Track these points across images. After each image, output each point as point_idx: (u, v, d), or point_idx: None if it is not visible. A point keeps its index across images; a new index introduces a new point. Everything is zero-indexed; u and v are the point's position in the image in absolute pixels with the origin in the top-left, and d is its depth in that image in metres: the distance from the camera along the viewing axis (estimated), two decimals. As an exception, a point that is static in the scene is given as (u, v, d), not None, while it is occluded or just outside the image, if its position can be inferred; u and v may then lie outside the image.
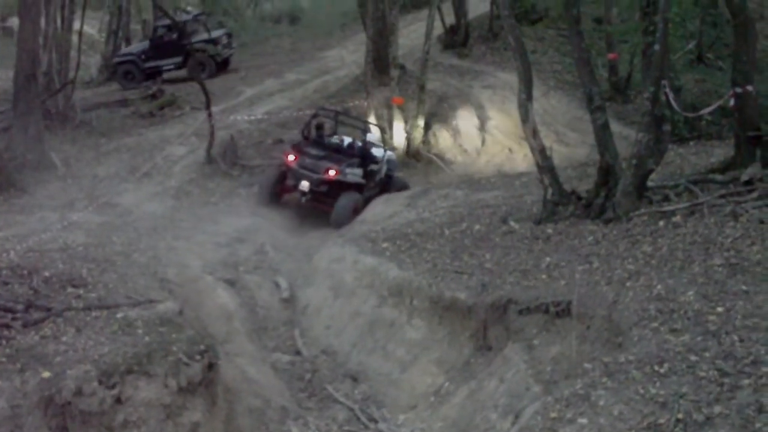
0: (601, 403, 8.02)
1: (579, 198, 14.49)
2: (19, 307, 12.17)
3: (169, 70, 32.57)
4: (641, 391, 8.13)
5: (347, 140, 20.98)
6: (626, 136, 21.41)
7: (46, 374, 10.46)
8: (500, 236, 14.39)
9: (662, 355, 8.85)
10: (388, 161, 21.07)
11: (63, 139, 24.63)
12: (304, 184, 19.54)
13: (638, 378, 8.46)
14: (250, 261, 16.27)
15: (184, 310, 13.06)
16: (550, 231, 13.96)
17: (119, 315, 11.97)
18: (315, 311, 14.78)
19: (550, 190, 14.67)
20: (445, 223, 15.55)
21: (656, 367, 8.62)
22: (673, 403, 7.73)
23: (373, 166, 20.54)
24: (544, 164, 14.90)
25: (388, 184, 20.78)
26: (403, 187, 21.00)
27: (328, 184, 19.51)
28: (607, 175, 14.08)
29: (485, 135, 26.16)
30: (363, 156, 20.41)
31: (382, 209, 18.30)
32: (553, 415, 8.03)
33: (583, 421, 7.73)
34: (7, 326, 11.61)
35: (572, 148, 25.09)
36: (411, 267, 13.94)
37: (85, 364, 10.63)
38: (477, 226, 15.03)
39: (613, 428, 7.40)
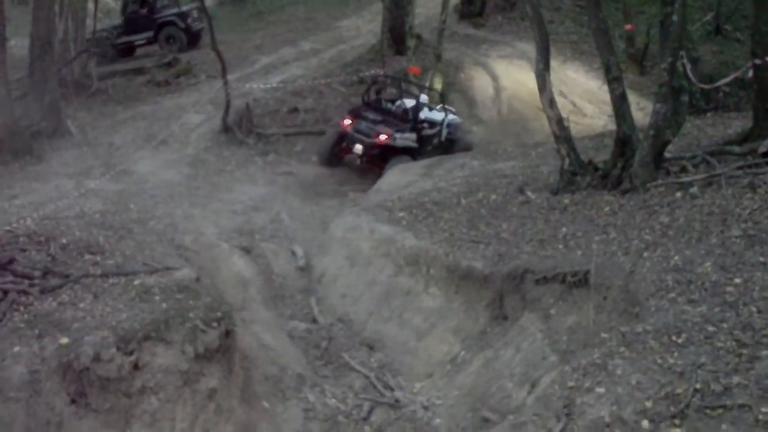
0: (619, 372, 8.02)
1: (596, 168, 14.43)
2: (37, 273, 12.22)
3: (141, 45, 33.13)
4: (659, 361, 8.12)
5: (406, 105, 21.45)
6: (643, 108, 21.38)
7: (64, 340, 10.51)
8: (517, 206, 14.36)
9: (680, 326, 8.84)
10: (449, 125, 21.63)
11: (79, 106, 24.67)
12: (358, 148, 20.63)
13: (656, 348, 8.45)
14: (266, 229, 16.29)
15: (201, 277, 13.08)
16: (566, 201, 13.91)
17: (136, 282, 12.00)
18: (331, 280, 14.78)
19: (567, 160, 14.63)
20: (461, 193, 15.51)
21: (674, 338, 8.61)
22: (691, 373, 7.72)
23: (429, 131, 21.19)
24: (561, 134, 14.83)
25: (449, 148, 21.33)
26: (467, 148, 21.57)
27: (379, 148, 20.45)
28: (624, 145, 14.02)
29: (501, 105, 26.06)
30: (416, 121, 21.00)
31: (398, 179, 18.30)
32: (570, 384, 8.03)
33: (601, 390, 7.74)
34: (25, 292, 11.67)
35: (589, 119, 25.04)
36: (427, 236, 13.92)
37: (103, 331, 10.66)
38: (493, 196, 15.00)
39: (630, 397, 7.40)
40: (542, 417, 7.43)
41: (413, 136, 20.83)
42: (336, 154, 21.40)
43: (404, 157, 20.31)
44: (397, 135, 20.49)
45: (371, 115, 21.16)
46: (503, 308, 12.21)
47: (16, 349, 10.28)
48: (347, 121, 20.99)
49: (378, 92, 22.26)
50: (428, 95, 22.89)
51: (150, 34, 32.71)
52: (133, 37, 32.90)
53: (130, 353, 10.29)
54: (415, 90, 22.85)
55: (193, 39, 33.11)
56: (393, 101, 21.88)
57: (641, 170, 13.35)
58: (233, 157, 21.44)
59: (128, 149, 21.53)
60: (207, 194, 18.27)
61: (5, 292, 11.79)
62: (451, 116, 21.93)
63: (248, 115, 23.22)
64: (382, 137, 20.30)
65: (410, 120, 21.01)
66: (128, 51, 32.91)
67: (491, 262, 12.62)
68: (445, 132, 21.51)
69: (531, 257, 12.36)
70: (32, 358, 10.13)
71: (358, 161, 20.78)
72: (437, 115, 21.59)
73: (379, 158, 20.48)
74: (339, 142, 21.30)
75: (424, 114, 21.33)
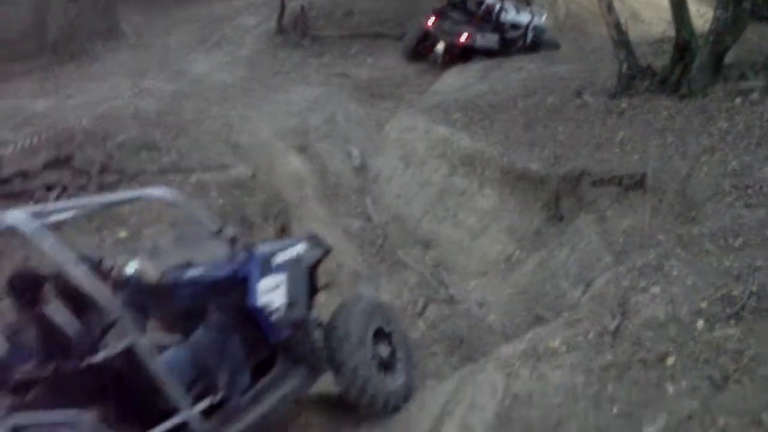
0: (674, 273, 7.99)
1: (654, 73, 14.23)
2: (94, 170, 12.39)
3: None
4: (715, 264, 8.08)
5: (492, 6, 21.21)
6: (703, 14, 20.89)
7: (123, 234, 10.69)
8: (574, 109, 14.24)
9: (736, 229, 8.78)
10: (535, 27, 21.56)
11: (134, 9, 24.60)
12: (439, 47, 20.51)
13: (712, 250, 8.41)
14: (320, 129, 16.28)
15: (257, 175, 13.17)
16: (624, 105, 13.77)
17: (193, 178, 12.13)
18: (386, 180, 14.81)
19: (625, 65, 14.44)
20: (518, 95, 15.41)
21: (730, 240, 8.55)
22: (748, 276, 7.67)
23: (513, 33, 21.14)
24: (619, 39, 14.61)
25: (534, 50, 21.10)
26: (554, 47, 21.47)
27: (460, 48, 20.33)
28: (683, 51, 13.80)
29: (559, 10, 25.73)
30: (498, 23, 20.91)
31: (454, 80, 18.19)
32: (625, 284, 8.03)
33: (656, 290, 7.73)
34: (83, 188, 11.85)
35: (647, 25, 24.64)
36: (483, 138, 13.87)
37: (161, 225, 10.81)
38: (550, 99, 14.88)
39: (685, 298, 7.38)
40: (597, 315, 7.45)
41: (495, 37, 20.75)
42: (419, 52, 21.25)
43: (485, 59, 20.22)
44: (478, 36, 20.41)
45: (455, 15, 20.93)
46: (559, 209, 12.21)
47: (78, 240, 10.45)
48: (431, 20, 20.79)
49: None
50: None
51: None
52: None
53: (189, 246, 10.42)
54: None
55: None
56: (480, 2, 21.50)
57: (700, 75, 13.18)
58: (288, 59, 21.35)
59: (183, 51, 21.50)
60: (262, 95, 18.25)
61: (64, 188, 11.99)
62: (537, 19, 21.76)
63: (303, 17, 23.07)
64: (463, 38, 20.22)
65: (493, 21, 20.87)
66: None
67: (547, 164, 12.57)
68: (530, 35, 21.40)
69: (587, 160, 12.29)
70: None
71: (440, 60, 20.58)
72: (523, 18, 21.45)
73: (459, 57, 20.34)
74: (423, 40, 21.14)
75: (509, 16, 21.19)
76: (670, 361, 6.55)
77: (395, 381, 8.66)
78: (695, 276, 7.81)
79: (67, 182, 11.99)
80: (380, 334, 8.83)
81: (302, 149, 15.10)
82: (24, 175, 12.38)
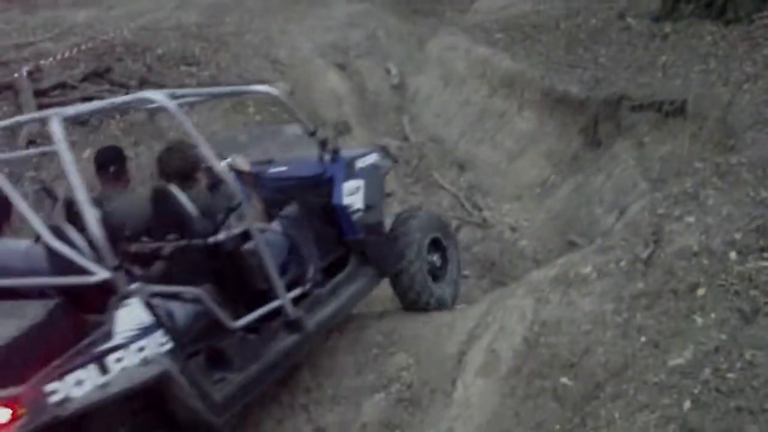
0: (710, 202, 7.94)
1: (699, -3, 14.04)
2: (133, 83, 12.43)
3: None
4: (751, 194, 8.00)
5: None
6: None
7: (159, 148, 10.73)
8: (616, 32, 14.07)
9: (775, 160, 8.72)
10: None
11: None
12: None
13: (749, 180, 8.33)
14: (361, 46, 16.18)
15: (295, 91, 13.16)
16: (667, 29, 13.57)
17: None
18: (425, 99, 14.75)
19: (670, -13, 14.23)
20: (560, 16, 15.22)
21: (768, 171, 8.51)
22: (783, 208, 7.64)
23: None
24: (666, -40, 14.38)
25: None
26: None
27: None
28: (729, -26, 13.58)
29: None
30: None
31: (496, 0, 17.99)
32: (660, 211, 7.99)
33: (690, 219, 7.68)
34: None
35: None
36: (524, 58, 13.76)
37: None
38: (593, 21, 14.70)
39: (720, 228, 7.34)
40: (630, 242, 7.44)
41: None
42: None
43: None
44: None
45: None
46: (597, 134, 12.14)
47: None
48: None
49: None
50: None
51: None
52: None
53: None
54: None
55: None
56: None
57: (746, 0, 12.96)
58: (329, -27, 21.20)
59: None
60: (303, 10, 18.12)
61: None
62: None
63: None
64: None
65: None
66: None
67: (587, 87, 12.48)
68: None
69: (628, 84, 12.19)
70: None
71: None
72: None
73: None
74: None
75: None
76: (701, 292, 6.54)
77: (442, 290, 9.01)
78: (731, 206, 7.75)
79: (105, 95, 12.00)
80: (436, 244, 9.22)
81: (342, 66, 15.03)
82: (63, 86, 12.40)
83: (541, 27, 14.84)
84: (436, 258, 9.17)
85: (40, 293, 6.40)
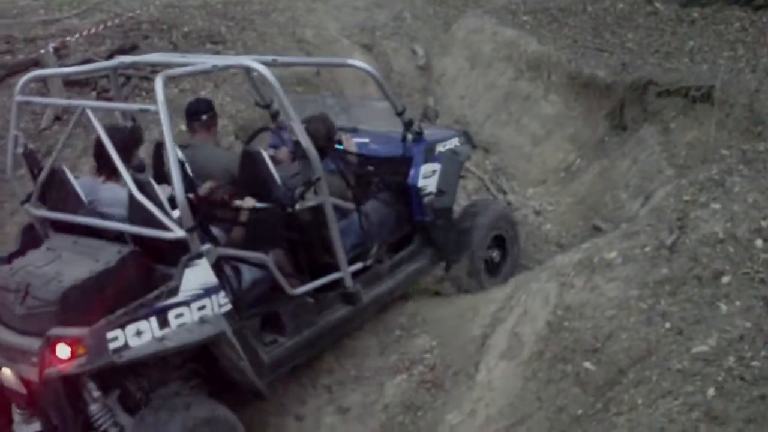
0: (736, 189, 7.91)
1: (728, -18, 13.95)
2: (158, 60, 12.43)
3: None
4: (778, 181, 8.01)
5: None
6: None
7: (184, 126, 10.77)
8: (644, 16, 14.01)
9: (802, 147, 8.70)
10: None
11: None
12: None
13: (776, 168, 8.34)
14: (387, 27, 16.08)
15: (321, 71, 13.16)
16: (695, 14, 13.53)
17: (255, 73, 12.10)
18: (450, 80, 14.69)
19: (698, -28, 14.16)
20: (587, 0, 15.17)
21: (795, 159, 8.48)
22: (811, 195, 7.62)
23: None
24: (694, -56, 14.30)
25: None
26: None
27: None
28: (759, -41, 13.50)
29: None
30: None
31: (523, -19, 17.92)
32: (685, 198, 7.96)
33: (716, 206, 7.66)
34: (147, 78, 11.92)
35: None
36: (551, 41, 13.68)
37: (223, 119, 10.87)
38: (620, 5, 14.62)
39: (746, 215, 7.32)
40: (655, 228, 7.42)
41: None
42: None
43: None
44: None
45: None
46: (623, 119, 12.09)
47: (141, 131, 10.57)
48: None
49: None
50: None
51: None
52: None
53: (247, 142, 10.52)
54: None
55: None
56: None
57: (776, -14, 12.92)
58: (357, -48, 21.12)
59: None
60: (330, -11, 18.11)
61: (128, 78, 12.07)
62: None
63: None
64: None
65: None
66: None
67: (614, 71, 12.43)
68: None
69: (655, 69, 12.14)
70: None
71: None
72: None
73: None
74: None
75: None
76: (726, 279, 6.54)
77: (494, 284, 9.11)
78: (757, 193, 7.73)
79: (130, 72, 12.04)
80: (498, 240, 9.46)
81: (368, 47, 14.97)
82: (89, 63, 12.43)
83: (568, 10, 14.76)
84: (495, 254, 9.39)
85: (121, 239, 6.77)
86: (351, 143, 8.63)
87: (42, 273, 6.41)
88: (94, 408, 6.34)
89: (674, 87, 11.50)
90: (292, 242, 7.58)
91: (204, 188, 7.52)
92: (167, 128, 6.29)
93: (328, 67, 13.19)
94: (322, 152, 7.64)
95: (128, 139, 7.13)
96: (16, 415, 6.95)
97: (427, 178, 8.64)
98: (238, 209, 7.41)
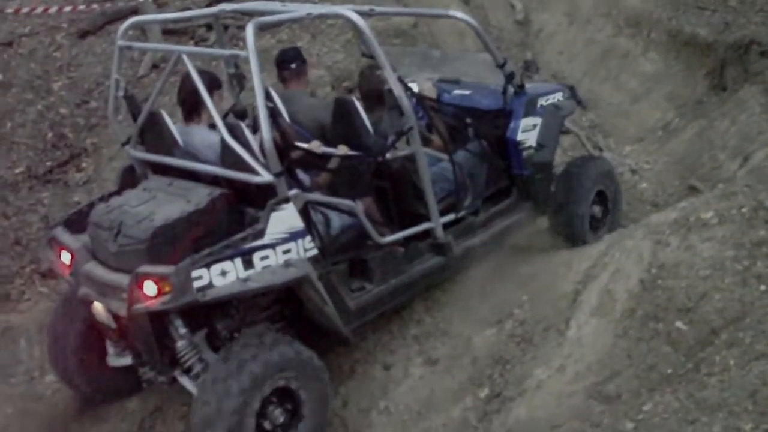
0: (837, 151, 7.80)
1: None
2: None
3: None
4: None
5: None
6: None
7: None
8: (749, -27, 13.70)
9: None
10: None
11: None
12: None
13: None
14: (485, -21, 15.97)
15: (418, 23, 13.15)
16: (803, -29, 13.19)
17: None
18: (548, 36, 14.54)
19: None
20: (691, -45, 14.85)
21: None
22: None
23: None
24: None
25: None
26: None
27: None
28: None
29: None
30: None
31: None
32: (784, 160, 7.88)
33: (817, 168, 7.57)
34: (241, 28, 12.02)
35: None
36: (651, -2, 13.50)
37: (320, 70, 10.95)
38: (725, -39, 14.32)
39: None
40: (753, 189, 7.30)
41: None
42: None
43: None
44: None
45: None
46: (723, 79, 11.86)
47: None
48: None
49: None
50: None
51: None
52: None
53: (348, 91, 10.59)
54: None
55: None
56: None
57: None
58: None
59: None
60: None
61: (225, 27, 12.20)
62: None
63: None
64: None
65: None
66: None
67: (716, 30, 12.19)
68: None
69: (759, 28, 11.87)
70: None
71: None
72: None
73: None
74: None
75: None
76: (824, 241, 6.46)
77: (595, 240, 9.03)
78: None
79: (228, 22, 12.15)
80: (601, 196, 9.42)
81: (465, 0, 14.90)
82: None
83: (671, -34, 14.49)
84: (597, 210, 9.35)
85: (216, 183, 6.97)
86: (430, 91, 8.55)
87: (135, 212, 6.65)
88: (180, 344, 6.61)
89: (778, 47, 11.28)
90: (382, 190, 7.68)
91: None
92: (256, 75, 6.40)
93: (425, 19, 13.17)
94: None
95: (206, 83, 7.20)
96: (110, 347, 7.35)
97: (527, 132, 8.63)
98: (329, 157, 7.53)
